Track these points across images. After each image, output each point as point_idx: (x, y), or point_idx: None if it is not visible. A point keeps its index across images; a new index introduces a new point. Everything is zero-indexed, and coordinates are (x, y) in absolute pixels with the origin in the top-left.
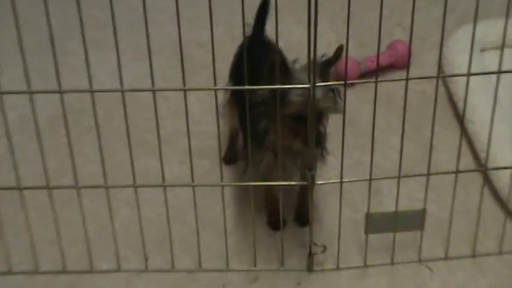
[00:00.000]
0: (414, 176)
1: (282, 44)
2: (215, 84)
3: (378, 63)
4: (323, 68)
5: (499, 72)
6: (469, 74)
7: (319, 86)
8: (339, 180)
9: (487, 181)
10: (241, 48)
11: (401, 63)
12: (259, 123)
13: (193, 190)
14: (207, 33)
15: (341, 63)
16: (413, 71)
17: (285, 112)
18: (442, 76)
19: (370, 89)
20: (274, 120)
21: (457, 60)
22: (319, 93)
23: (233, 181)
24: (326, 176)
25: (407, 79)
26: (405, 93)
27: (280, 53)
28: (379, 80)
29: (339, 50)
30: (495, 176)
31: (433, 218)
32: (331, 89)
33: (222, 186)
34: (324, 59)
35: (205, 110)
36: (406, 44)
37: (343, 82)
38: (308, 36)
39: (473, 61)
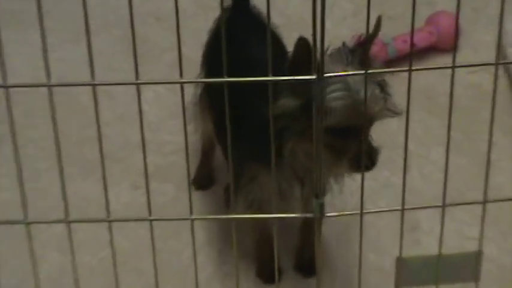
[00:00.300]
0: (465, 204)
1: (276, 20)
2: (181, 75)
3: (411, 45)
4: (361, 49)
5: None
6: None
7: (329, 77)
8: (359, 211)
9: None
10: (218, 25)
11: (446, 44)
12: (283, 144)
13: (151, 226)
14: (169, 2)
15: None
16: (463, 56)
17: (325, 125)
18: (503, 63)
19: (402, 81)
20: (302, 138)
21: None
22: (366, 92)
23: (208, 213)
24: (340, 205)
25: (453, 67)
26: (451, 87)
27: (304, 42)
28: (413, 68)
29: (379, 23)
30: None
31: (493, 264)
32: (377, 83)
33: (192, 220)
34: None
35: (167, 112)
36: (452, 16)
37: (362, 72)
38: (313, 8)
39: None
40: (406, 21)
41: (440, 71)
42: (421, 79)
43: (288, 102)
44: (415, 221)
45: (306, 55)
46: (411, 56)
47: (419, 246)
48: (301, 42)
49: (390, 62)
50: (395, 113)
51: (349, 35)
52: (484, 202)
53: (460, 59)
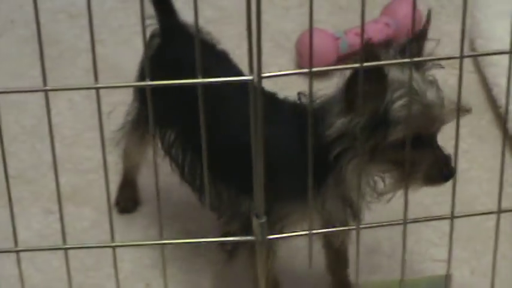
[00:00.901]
0: (430, 220)
1: (208, 13)
2: (96, 79)
3: (361, 38)
4: (414, 45)
5: None
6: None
7: (267, 77)
8: (307, 232)
9: None
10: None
11: (405, 37)
12: (338, 168)
13: (66, 256)
14: None
15: (304, 39)
16: (426, 49)
17: (393, 138)
18: (469, 55)
19: None
20: (371, 157)
21: (496, 29)
22: (430, 94)
23: (133, 240)
24: None
25: (410, 61)
26: (409, 83)
27: (371, 48)
28: (365, 64)
29: (429, 16)
30: None
31: None
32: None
33: (114, 248)
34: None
35: (84, 123)
36: (412, 6)
37: (307, 70)
38: None
39: None
40: (359, 12)
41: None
42: None
43: (347, 122)
44: (375, 242)
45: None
46: (362, 51)
47: (379, 271)
48: (368, 48)
49: (343, 58)
50: (466, 111)
51: (294, 29)
52: (452, 217)
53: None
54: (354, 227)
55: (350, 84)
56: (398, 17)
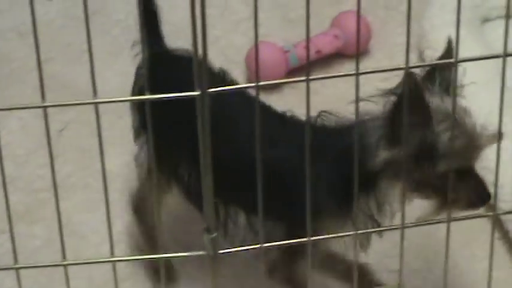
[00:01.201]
0: (380, 230)
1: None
2: (43, 97)
3: (307, 52)
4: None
5: (506, 55)
6: (456, 61)
7: (214, 92)
8: (258, 246)
9: (500, 230)
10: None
11: (355, 49)
12: (375, 192)
13: (18, 275)
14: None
15: (253, 52)
16: (376, 61)
17: (440, 170)
18: (414, 66)
19: (314, 92)
20: (419, 187)
21: (443, 39)
22: (470, 123)
23: (86, 258)
24: None
25: (357, 74)
26: (356, 95)
27: (412, 78)
28: (312, 77)
29: (449, 45)
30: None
31: None
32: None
33: (65, 266)
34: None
35: (36, 142)
36: (361, 17)
37: (253, 84)
38: (191, 12)
39: (470, 39)
40: (309, 24)
41: (349, 79)
42: (329, 89)
43: (394, 154)
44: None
45: (416, 95)
46: (308, 64)
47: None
48: (409, 79)
49: (292, 72)
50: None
51: (244, 42)
52: (403, 227)
53: (372, 64)
54: (255, 246)
55: (394, 114)
56: (348, 28)
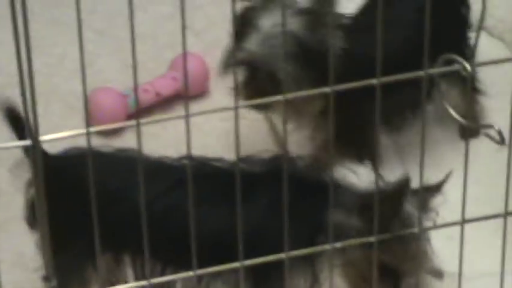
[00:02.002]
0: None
1: None
2: None
3: (136, 95)
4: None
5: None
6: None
7: (46, 141)
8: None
9: None
10: None
11: (194, 90)
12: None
13: None
14: None
15: (91, 98)
16: (216, 101)
17: None
18: (242, 106)
19: (156, 135)
20: None
21: None
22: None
23: None
24: None
25: (187, 116)
26: (187, 137)
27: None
28: (143, 120)
29: (446, 178)
30: None
31: None
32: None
33: None
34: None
35: None
36: (198, 58)
37: (84, 131)
38: (18, 61)
39: None
40: (147, 68)
41: (193, 121)
42: (170, 131)
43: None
44: None
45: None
46: (139, 108)
47: None
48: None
49: (132, 116)
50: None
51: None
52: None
53: (212, 104)
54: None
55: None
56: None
